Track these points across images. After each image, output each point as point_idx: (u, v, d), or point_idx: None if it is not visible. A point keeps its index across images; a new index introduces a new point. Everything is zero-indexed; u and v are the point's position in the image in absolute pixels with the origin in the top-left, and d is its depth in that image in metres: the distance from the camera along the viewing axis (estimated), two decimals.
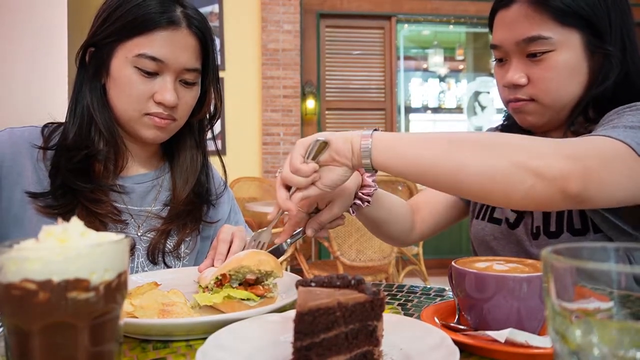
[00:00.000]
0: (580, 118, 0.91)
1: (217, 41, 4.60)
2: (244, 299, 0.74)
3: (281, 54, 4.68)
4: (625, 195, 0.69)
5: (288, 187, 0.79)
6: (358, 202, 0.92)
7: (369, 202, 0.93)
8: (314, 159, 0.76)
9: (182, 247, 1.03)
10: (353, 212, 0.95)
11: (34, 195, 0.91)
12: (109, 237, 0.44)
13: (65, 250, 0.40)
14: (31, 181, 0.92)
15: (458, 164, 0.69)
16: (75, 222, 0.44)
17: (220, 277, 0.77)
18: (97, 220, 0.92)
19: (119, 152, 0.98)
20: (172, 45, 0.92)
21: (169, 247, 1.01)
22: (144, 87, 0.92)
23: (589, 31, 0.86)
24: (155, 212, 1.03)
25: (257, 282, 0.77)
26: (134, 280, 0.84)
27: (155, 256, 0.99)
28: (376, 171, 0.76)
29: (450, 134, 0.73)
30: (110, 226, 0.95)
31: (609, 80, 0.86)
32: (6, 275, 0.39)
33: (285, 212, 0.80)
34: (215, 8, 4.61)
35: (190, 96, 0.98)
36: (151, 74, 0.92)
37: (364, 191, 0.92)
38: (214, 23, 4.60)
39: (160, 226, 1.01)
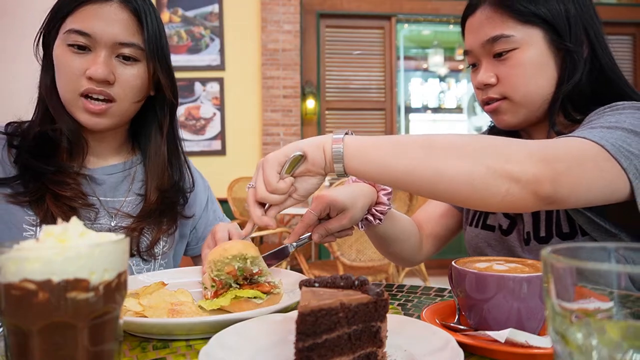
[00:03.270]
0: (561, 118, 0.92)
1: (217, 41, 4.60)
2: (251, 297, 0.74)
3: (281, 54, 4.68)
4: (596, 195, 0.69)
5: (262, 203, 0.78)
6: (370, 218, 0.92)
7: (380, 220, 0.92)
8: (288, 172, 0.74)
9: (160, 244, 1.04)
10: (362, 227, 0.94)
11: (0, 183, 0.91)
12: (109, 237, 0.44)
13: (65, 250, 0.40)
14: None
15: (435, 171, 0.67)
16: (75, 222, 0.44)
17: (214, 285, 0.77)
18: (66, 205, 0.92)
19: (77, 141, 0.98)
20: (100, 19, 0.91)
21: (144, 244, 1.01)
22: (75, 64, 0.91)
23: (551, 29, 0.88)
24: (129, 202, 1.03)
25: (253, 280, 0.77)
26: (141, 280, 0.85)
27: (131, 250, 0.99)
28: (347, 175, 0.74)
29: (424, 137, 0.71)
30: (81, 212, 0.94)
31: (576, 76, 0.88)
32: (6, 276, 0.39)
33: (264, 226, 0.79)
34: (215, 8, 4.61)
35: (131, 74, 0.95)
36: (82, 49, 0.91)
37: (377, 208, 0.92)
38: (214, 23, 4.61)
39: (131, 224, 1.00)
